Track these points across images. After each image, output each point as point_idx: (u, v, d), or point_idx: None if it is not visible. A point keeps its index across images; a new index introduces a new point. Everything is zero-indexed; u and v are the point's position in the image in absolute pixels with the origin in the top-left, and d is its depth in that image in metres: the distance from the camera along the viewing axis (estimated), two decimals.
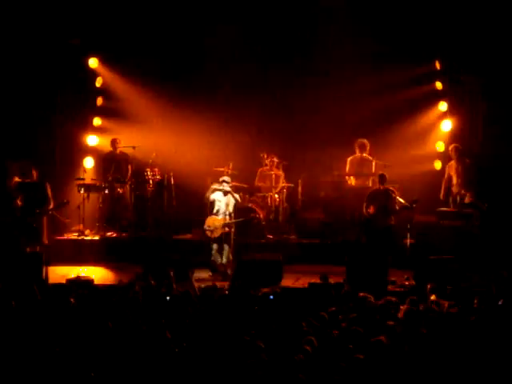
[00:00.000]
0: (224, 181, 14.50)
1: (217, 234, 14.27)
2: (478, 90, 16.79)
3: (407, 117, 16.99)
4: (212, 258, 14.30)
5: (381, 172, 15.01)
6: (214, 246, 14.35)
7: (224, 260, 14.21)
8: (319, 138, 17.15)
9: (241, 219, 14.68)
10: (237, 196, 14.58)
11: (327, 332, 8.33)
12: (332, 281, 12.17)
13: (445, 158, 16.63)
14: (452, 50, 16.71)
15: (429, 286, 11.19)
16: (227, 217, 14.39)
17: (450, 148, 16.10)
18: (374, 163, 16.36)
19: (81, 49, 17.03)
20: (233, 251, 14.39)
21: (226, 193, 14.39)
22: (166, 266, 12.50)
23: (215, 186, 14.57)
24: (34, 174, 14.61)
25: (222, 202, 14.44)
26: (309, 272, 13.68)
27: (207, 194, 14.70)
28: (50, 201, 14.61)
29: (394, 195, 14.39)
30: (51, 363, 7.33)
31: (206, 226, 14.40)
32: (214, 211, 14.42)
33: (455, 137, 16.76)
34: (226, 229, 14.30)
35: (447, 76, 17.03)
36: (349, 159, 16.55)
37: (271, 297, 10.01)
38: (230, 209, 14.45)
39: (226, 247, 14.30)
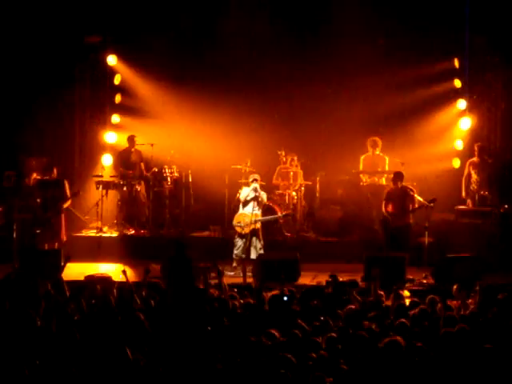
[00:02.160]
0: (255, 179, 14.50)
1: (247, 230, 14.27)
2: (498, 88, 16.70)
3: (425, 115, 16.94)
4: (235, 252, 14.30)
5: (397, 171, 14.96)
6: (240, 242, 14.34)
7: (253, 256, 14.17)
8: (337, 136, 17.11)
9: (272, 217, 14.68)
10: (263, 195, 14.53)
11: (346, 331, 8.30)
12: (347, 278, 12.13)
13: (463, 156, 16.58)
14: (472, 48, 16.63)
15: (455, 287, 11.11)
16: (258, 213, 14.38)
17: (475, 145, 15.99)
18: (387, 161, 16.32)
19: (99, 46, 17.09)
20: (264, 247, 14.38)
21: (255, 190, 14.39)
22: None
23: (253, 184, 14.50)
24: (55, 171, 14.64)
25: (251, 198, 14.41)
26: (326, 270, 13.64)
27: (239, 192, 14.67)
28: (68, 198, 14.65)
29: (412, 193, 14.34)
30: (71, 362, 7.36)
31: (235, 222, 14.42)
32: (244, 208, 14.42)
33: (474, 135, 16.70)
34: (257, 225, 14.31)
35: (466, 74, 16.96)
36: (362, 157, 16.52)
37: (285, 298, 9.98)
38: (259, 206, 14.45)
39: (257, 244, 14.30)
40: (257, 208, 14.41)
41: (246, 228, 14.28)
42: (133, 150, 16.66)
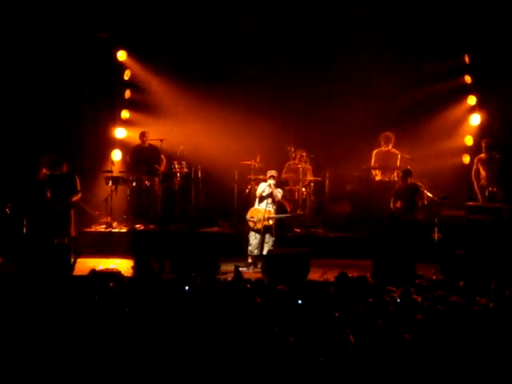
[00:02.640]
0: (272, 176, 14.47)
1: (260, 226, 14.23)
2: (508, 84, 16.65)
3: (436, 111, 16.93)
4: (249, 248, 14.30)
5: (405, 168, 14.92)
6: (254, 238, 14.32)
7: (265, 252, 14.16)
8: (347, 132, 17.14)
9: (285, 215, 14.65)
10: (277, 193, 14.48)
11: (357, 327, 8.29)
12: (356, 275, 12.10)
13: (473, 152, 16.55)
14: (482, 44, 16.58)
15: (461, 284, 11.09)
16: (271, 209, 14.36)
17: (482, 142, 15.96)
18: (399, 157, 16.29)
19: (109, 42, 17.11)
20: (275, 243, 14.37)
21: (271, 186, 14.36)
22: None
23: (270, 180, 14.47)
24: (65, 166, 14.67)
25: (266, 194, 14.39)
26: (336, 266, 13.64)
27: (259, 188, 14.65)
28: (79, 193, 14.68)
29: (421, 190, 14.30)
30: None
31: (249, 217, 14.37)
32: (260, 204, 14.40)
33: (484, 131, 16.67)
34: (270, 221, 14.28)
35: (476, 70, 16.92)
36: (374, 152, 16.47)
37: (300, 302, 9.97)
38: (274, 203, 14.43)
39: (270, 240, 14.27)
40: (271, 205, 14.38)
41: (259, 224, 14.24)
42: (146, 145, 16.66)
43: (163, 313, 8.57)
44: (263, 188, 14.42)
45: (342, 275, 11.20)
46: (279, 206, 15.36)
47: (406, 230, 14.17)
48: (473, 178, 15.83)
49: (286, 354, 7.28)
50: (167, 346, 7.59)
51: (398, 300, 9.88)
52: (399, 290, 10.16)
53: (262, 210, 14.30)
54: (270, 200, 14.38)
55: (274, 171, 14.68)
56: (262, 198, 14.43)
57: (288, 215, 14.81)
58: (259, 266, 13.95)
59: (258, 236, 14.24)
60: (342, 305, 9.41)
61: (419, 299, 9.71)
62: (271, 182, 14.36)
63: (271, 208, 14.37)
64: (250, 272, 13.72)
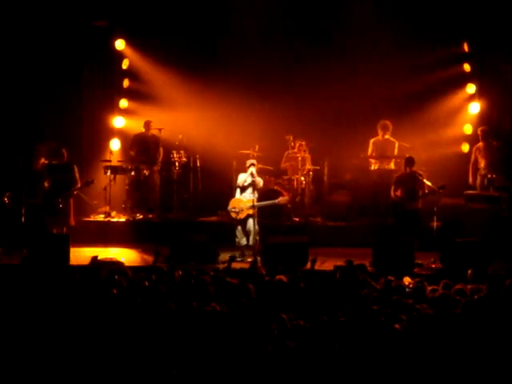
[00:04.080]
0: (252, 164, 14.41)
1: (242, 216, 14.16)
2: (507, 72, 16.62)
3: (435, 99, 16.89)
4: (237, 240, 14.26)
5: (408, 155, 14.91)
6: (239, 228, 14.27)
7: (251, 242, 14.14)
8: (345, 121, 17.14)
9: (269, 202, 14.57)
10: (259, 180, 14.41)
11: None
12: (356, 263, 12.09)
13: (472, 140, 16.53)
14: (481, 31, 16.54)
15: (469, 272, 11.12)
16: (254, 198, 14.28)
17: (478, 130, 15.98)
18: (396, 145, 16.27)
19: (107, 30, 17.06)
20: (259, 233, 14.30)
21: (252, 175, 14.29)
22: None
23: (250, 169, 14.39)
24: (64, 155, 14.66)
25: (248, 183, 14.32)
26: (334, 254, 13.64)
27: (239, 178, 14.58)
28: (77, 182, 14.68)
29: (421, 178, 14.30)
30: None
31: (230, 208, 14.27)
32: (242, 194, 14.34)
33: (483, 119, 16.66)
34: (252, 211, 14.20)
35: (475, 58, 16.89)
36: (371, 141, 16.43)
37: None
38: (255, 191, 14.34)
39: (251, 229, 14.20)
40: (253, 194, 14.26)
41: (241, 214, 14.18)
42: (149, 134, 16.63)
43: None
44: (244, 178, 14.33)
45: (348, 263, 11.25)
46: (276, 194, 15.34)
47: (407, 218, 14.16)
48: (470, 167, 15.85)
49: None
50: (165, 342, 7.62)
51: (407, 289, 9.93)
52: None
53: (243, 200, 14.22)
54: (251, 189, 14.29)
55: (253, 160, 14.62)
56: (243, 188, 14.32)
57: (272, 202, 14.65)
58: (247, 254, 13.93)
59: (240, 226, 14.20)
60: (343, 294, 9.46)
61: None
62: (252, 169, 14.28)
63: (253, 197, 14.28)
64: (239, 261, 13.66)
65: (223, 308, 8.47)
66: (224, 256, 13.52)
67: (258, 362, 6.95)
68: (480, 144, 15.84)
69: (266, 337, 7.56)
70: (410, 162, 14.45)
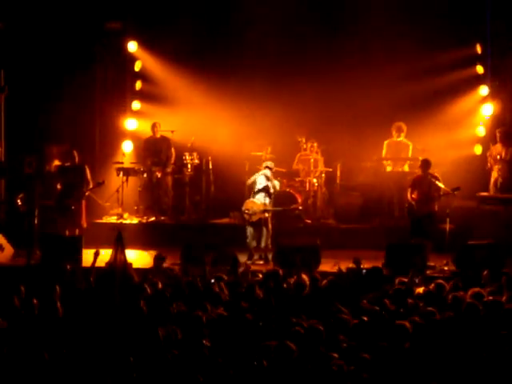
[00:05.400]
0: (267, 166, 14.41)
1: (255, 219, 14.15)
2: None
3: (448, 101, 16.83)
4: (247, 241, 14.24)
5: (423, 157, 14.84)
6: (250, 230, 14.26)
7: (262, 244, 14.14)
8: (358, 123, 17.07)
9: (281, 208, 14.55)
10: (276, 183, 14.42)
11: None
12: (369, 265, 12.07)
13: (485, 142, 16.48)
14: (494, 33, 16.50)
15: (485, 273, 11.07)
16: (267, 202, 14.27)
17: (497, 131, 15.90)
18: (411, 147, 16.23)
19: (120, 32, 17.10)
20: (271, 236, 14.31)
21: (267, 178, 14.29)
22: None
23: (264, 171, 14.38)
24: (76, 157, 14.69)
25: (263, 186, 14.32)
26: (347, 257, 13.60)
27: (250, 178, 14.59)
28: (90, 184, 14.71)
29: (436, 181, 14.25)
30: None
31: (244, 209, 14.27)
32: (254, 195, 14.33)
33: (496, 121, 16.59)
34: (266, 214, 14.19)
35: (488, 60, 16.84)
36: (385, 142, 16.40)
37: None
38: (270, 195, 14.33)
39: (264, 232, 14.19)
40: (267, 197, 14.26)
41: (254, 216, 14.17)
42: (158, 136, 16.64)
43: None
44: (253, 179, 14.30)
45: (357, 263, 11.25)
46: (288, 197, 15.33)
47: (423, 221, 14.11)
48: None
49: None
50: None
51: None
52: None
53: (257, 203, 14.21)
54: (265, 193, 14.27)
55: (269, 162, 14.63)
56: (258, 191, 14.32)
57: (283, 208, 14.63)
58: (255, 257, 13.95)
59: (252, 228, 14.18)
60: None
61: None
62: (266, 172, 14.25)
63: (267, 200, 14.26)
64: (249, 263, 13.62)
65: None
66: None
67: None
68: (497, 145, 15.76)
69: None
70: (426, 164, 14.37)
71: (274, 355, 7.06)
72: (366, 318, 8.13)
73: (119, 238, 9.58)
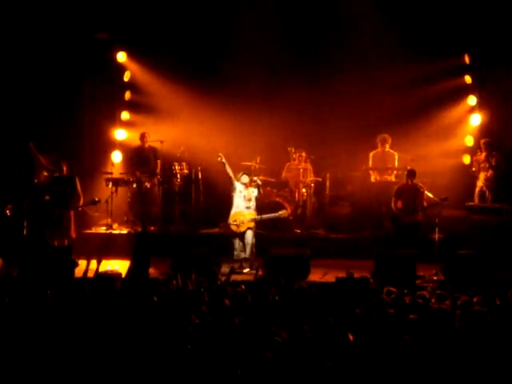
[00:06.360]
0: (244, 173, 14.38)
1: (243, 229, 14.14)
2: (508, 84, 16.62)
3: (436, 111, 16.93)
4: (235, 253, 14.21)
5: (409, 167, 14.91)
6: (237, 241, 14.24)
7: (247, 254, 14.11)
8: (347, 133, 17.10)
9: (269, 215, 14.53)
10: (251, 191, 14.33)
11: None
12: (358, 275, 12.06)
13: (473, 152, 16.54)
14: (482, 43, 16.57)
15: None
16: (253, 211, 14.25)
17: (481, 142, 15.97)
18: (396, 157, 16.29)
19: (109, 43, 17.09)
20: (255, 245, 14.28)
21: (246, 186, 14.25)
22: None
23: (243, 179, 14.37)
24: (64, 167, 14.65)
25: (243, 195, 14.27)
26: (336, 266, 13.63)
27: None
28: (80, 196, 14.65)
29: (422, 190, 14.30)
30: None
31: (231, 221, 14.25)
32: (235, 204, 14.28)
33: (485, 131, 16.66)
34: (252, 224, 14.17)
35: (476, 70, 16.91)
36: (371, 154, 16.49)
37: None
38: (253, 203, 14.30)
39: (249, 242, 14.16)
40: (252, 207, 14.25)
41: (242, 227, 14.15)
42: (146, 146, 16.64)
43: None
44: (239, 188, 14.25)
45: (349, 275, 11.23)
46: (278, 206, 15.32)
47: (407, 230, 14.15)
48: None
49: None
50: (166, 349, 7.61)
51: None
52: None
53: (244, 213, 14.18)
54: (248, 202, 14.23)
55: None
56: (239, 200, 14.23)
57: (272, 216, 14.61)
58: (246, 267, 13.94)
59: (239, 239, 14.17)
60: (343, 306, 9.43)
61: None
62: (245, 180, 14.21)
63: (252, 210, 14.23)
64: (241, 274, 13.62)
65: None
66: (226, 268, 13.46)
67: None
68: (481, 155, 15.84)
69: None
70: (411, 174, 14.48)
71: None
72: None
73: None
